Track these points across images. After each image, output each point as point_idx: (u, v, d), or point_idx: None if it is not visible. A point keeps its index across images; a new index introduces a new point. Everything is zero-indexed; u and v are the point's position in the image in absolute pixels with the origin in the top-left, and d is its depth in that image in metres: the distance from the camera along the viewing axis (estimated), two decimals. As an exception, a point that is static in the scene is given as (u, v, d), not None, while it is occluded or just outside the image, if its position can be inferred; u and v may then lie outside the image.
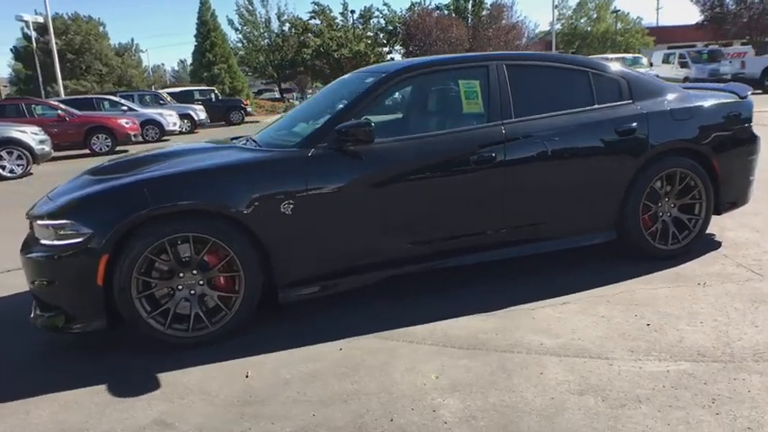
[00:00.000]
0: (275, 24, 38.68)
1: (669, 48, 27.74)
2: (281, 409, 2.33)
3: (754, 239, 4.00)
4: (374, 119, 3.32)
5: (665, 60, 25.18)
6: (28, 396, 2.55)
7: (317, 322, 3.13)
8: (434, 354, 2.70)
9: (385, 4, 38.13)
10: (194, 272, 2.92)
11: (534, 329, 2.88)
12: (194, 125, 20.80)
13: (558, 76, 3.60)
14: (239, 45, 37.44)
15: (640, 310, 3.02)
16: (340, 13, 38.86)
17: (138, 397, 2.50)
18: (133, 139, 15.02)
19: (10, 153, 10.62)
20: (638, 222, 3.59)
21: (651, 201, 3.63)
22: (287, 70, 39.46)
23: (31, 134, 10.98)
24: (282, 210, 2.95)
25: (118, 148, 14.43)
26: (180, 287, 2.91)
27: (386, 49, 39.77)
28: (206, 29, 30.11)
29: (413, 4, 35.83)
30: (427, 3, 35.80)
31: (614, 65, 3.76)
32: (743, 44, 26.78)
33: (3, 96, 31.82)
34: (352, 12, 38.61)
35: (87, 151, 14.14)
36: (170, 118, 18.41)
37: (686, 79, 21.29)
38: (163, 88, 33.12)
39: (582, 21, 46.59)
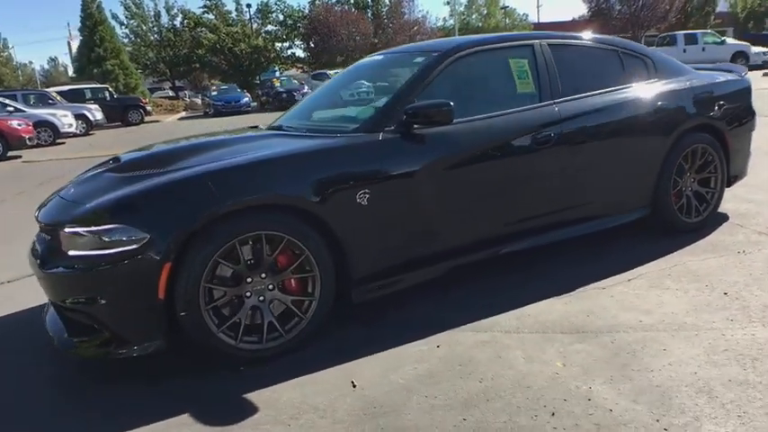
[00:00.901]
0: (165, 18, 36.61)
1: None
2: (423, 417, 2.10)
3: (754, 209, 4.25)
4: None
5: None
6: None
7: (390, 321, 2.90)
8: (542, 341, 2.58)
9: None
10: (263, 275, 2.58)
11: (622, 308, 2.84)
12: (89, 126, 19.08)
13: (593, 55, 3.61)
14: (126, 40, 34.97)
15: (706, 280, 3.08)
16: (235, 8, 37.53)
17: (241, 424, 2.15)
18: (28, 142, 13.47)
19: None
20: (670, 197, 3.68)
21: (678, 176, 3.74)
22: (181, 67, 37.47)
23: None
24: (358, 200, 2.68)
25: (10, 154, 12.89)
26: (248, 294, 2.56)
27: (285, 44, 39.00)
28: (92, 22, 27.69)
29: (314, -2, 35.34)
30: (329, -3, 35.50)
31: (637, 44, 3.83)
32: (625, 38, 29.00)
33: None
34: (248, 5, 37.43)
35: (-27, 159, 12.50)
36: (64, 119, 16.73)
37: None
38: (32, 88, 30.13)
39: (474, 16, 48.38)
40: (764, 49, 24.54)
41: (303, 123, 3.31)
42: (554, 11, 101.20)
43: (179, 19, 36.15)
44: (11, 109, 15.69)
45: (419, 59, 3.16)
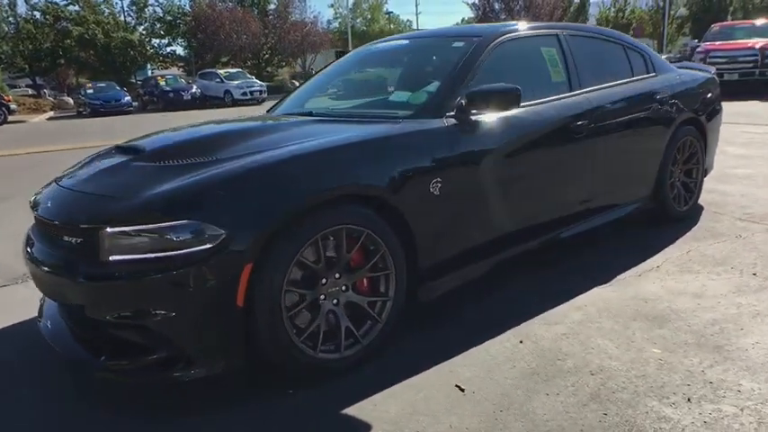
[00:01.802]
0: (22, 9, 32.97)
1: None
2: (559, 416, 1.95)
3: (720, 198, 4.57)
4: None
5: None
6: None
7: (448, 321, 2.72)
8: (621, 329, 2.54)
9: (160, -6, 35.06)
10: (337, 276, 2.29)
11: (671, 293, 2.89)
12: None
13: (604, 48, 3.68)
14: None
15: (727, 263, 3.24)
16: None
17: (364, 444, 1.87)
18: None
19: None
20: (667, 187, 3.85)
21: (672, 166, 3.93)
22: (43, 62, 33.90)
23: None
24: (431, 190, 2.48)
25: None
26: (323, 297, 2.26)
27: (164, 41, 36.80)
28: (-64, 8, 24.15)
29: (198, -6, 33.64)
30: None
31: (635, 40, 3.98)
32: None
33: None
34: (120, -3, 34.81)
35: None
36: None
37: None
38: None
39: (358, 21, 48.83)
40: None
41: (334, 109, 3.03)
42: (431, 19, 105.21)
43: (39, 11, 32.72)
44: None
45: (459, 44, 3.01)
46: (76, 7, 33.81)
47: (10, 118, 20.74)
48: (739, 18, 29.05)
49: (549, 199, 3.08)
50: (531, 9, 30.70)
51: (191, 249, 1.95)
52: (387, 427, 1.95)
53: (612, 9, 34.68)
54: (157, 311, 1.98)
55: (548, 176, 3.03)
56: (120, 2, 35.13)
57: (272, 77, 34.56)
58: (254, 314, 2.04)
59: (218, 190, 2.04)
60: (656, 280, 3.07)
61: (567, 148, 3.10)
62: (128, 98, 24.42)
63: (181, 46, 36.95)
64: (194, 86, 25.54)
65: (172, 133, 2.91)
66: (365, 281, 2.38)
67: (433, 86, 2.82)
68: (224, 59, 34.81)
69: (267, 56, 37.04)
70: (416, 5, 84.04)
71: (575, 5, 33.59)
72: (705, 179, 4.37)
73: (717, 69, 5.55)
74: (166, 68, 37.56)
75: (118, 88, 25.60)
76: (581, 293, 2.94)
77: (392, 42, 3.43)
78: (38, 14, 33.23)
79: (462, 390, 2.15)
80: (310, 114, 2.98)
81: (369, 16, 50.04)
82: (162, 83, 25.48)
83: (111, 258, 2.00)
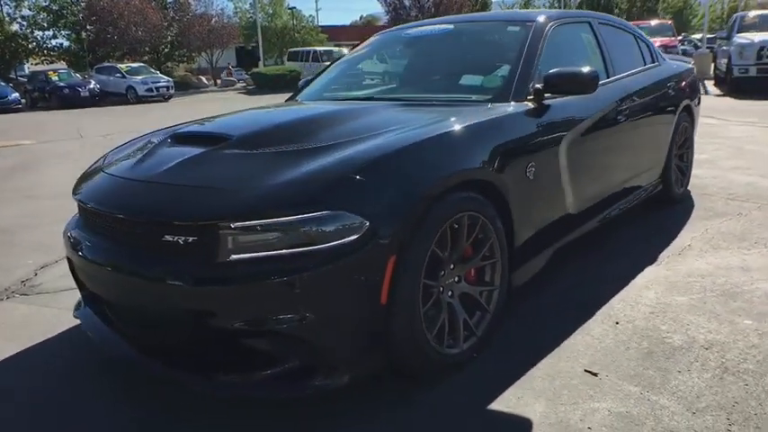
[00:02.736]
0: None
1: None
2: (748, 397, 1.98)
3: (699, 182, 4.88)
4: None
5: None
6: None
7: (535, 303, 2.69)
8: (702, 304, 2.62)
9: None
10: (452, 266, 2.18)
11: (720, 268, 3.03)
12: None
13: (623, 37, 3.79)
14: None
15: (749, 239, 3.45)
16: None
17: (537, 437, 1.78)
18: None
19: None
20: (672, 170, 4.06)
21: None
22: None
23: None
24: (527, 174, 2.42)
25: None
26: (442, 289, 2.14)
27: (49, 33, 33.81)
28: None
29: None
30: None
31: (640, 30, 4.14)
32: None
33: None
34: (-3, -16, 31.55)
35: None
36: None
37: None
38: None
39: (260, 15, 47.45)
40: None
41: (398, 94, 2.90)
42: (332, 15, 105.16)
43: None
44: None
45: (514, 29, 2.98)
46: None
47: None
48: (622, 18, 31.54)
49: (604, 179, 3.15)
50: (440, 6, 31.42)
51: (334, 243, 1.75)
52: (545, 421, 1.87)
53: (517, 8, 36.41)
54: (293, 315, 1.76)
55: (605, 157, 3.10)
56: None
57: (170, 73, 32.82)
58: (394, 312, 1.88)
59: (357, 176, 1.85)
60: (697, 258, 3.21)
61: (616, 131, 3.17)
62: (15, 95, 22.18)
63: (67, 38, 34.05)
64: (92, 82, 23.66)
65: (241, 119, 2.65)
66: (472, 271, 2.29)
67: (504, 70, 2.75)
68: (119, 53, 32.57)
69: (167, 50, 35.14)
70: (316, 1, 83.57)
71: (479, 4, 34.83)
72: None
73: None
74: (51, 63, 34.50)
75: (3, 84, 23.16)
76: (638, 274, 3.01)
77: (429, 27, 3.32)
78: None
79: (595, 374, 2.12)
80: (371, 99, 2.82)
81: (270, 11, 48.79)
82: (54, 78, 23.34)
83: (232, 258, 1.76)
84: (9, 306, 3.05)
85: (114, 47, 31.20)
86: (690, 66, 4.57)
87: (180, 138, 2.36)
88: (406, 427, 1.88)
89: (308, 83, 3.61)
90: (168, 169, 2.05)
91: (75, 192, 2.32)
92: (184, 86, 30.00)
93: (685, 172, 4.39)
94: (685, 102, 4.11)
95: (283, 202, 1.78)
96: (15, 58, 32.10)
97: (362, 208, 1.79)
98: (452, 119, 2.30)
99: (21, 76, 29.26)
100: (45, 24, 33.63)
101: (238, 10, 48.19)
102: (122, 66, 25.46)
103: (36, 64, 34.56)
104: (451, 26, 3.20)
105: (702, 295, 2.73)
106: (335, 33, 48.26)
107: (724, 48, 13.00)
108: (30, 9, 32.42)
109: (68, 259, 2.34)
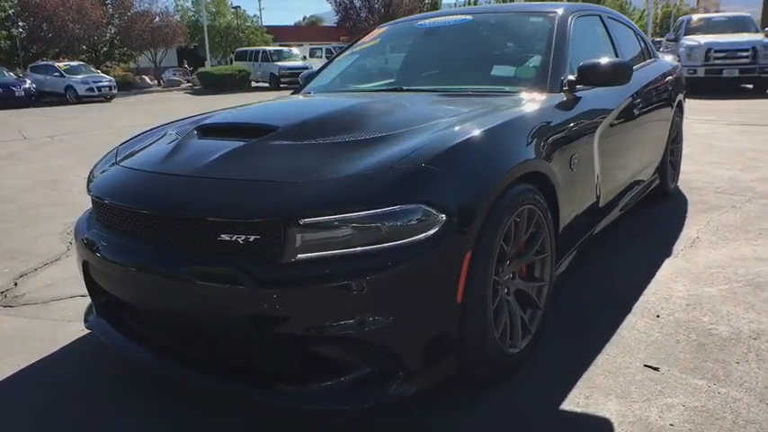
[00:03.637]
0: None
1: (311, 44, 30.69)
2: (775, 381, 1.96)
3: (683, 177, 4.99)
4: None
5: (312, 55, 27.60)
6: None
7: (568, 299, 2.63)
8: (733, 295, 2.63)
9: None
10: (508, 262, 2.08)
11: (737, 259, 3.07)
12: None
13: (626, 31, 3.80)
14: None
15: (752, 230, 3.53)
16: None
17: (624, 437, 1.70)
18: None
19: None
20: (667, 164, 4.12)
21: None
22: None
23: None
24: (571, 166, 2.36)
25: None
26: (499, 285, 2.04)
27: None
28: None
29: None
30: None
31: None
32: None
33: None
34: None
35: None
36: None
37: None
38: None
39: (202, 14, 46.19)
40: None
41: (424, 86, 2.80)
42: (276, 14, 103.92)
43: None
44: None
45: (537, 20, 2.92)
46: None
47: None
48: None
49: (625, 170, 3.14)
50: (390, 7, 31.43)
51: (411, 239, 1.62)
52: (624, 420, 1.80)
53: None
54: (367, 318, 1.62)
55: (624, 149, 3.09)
56: None
57: (108, 73, 31.45)
58: (468, 310, 1.76)
59: (432, 167, 1.72)
60: (710, 249, 3.24)
61: (633, 123, 3.17)
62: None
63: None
64: (27, 81, 22.33)
65: (275, 109, 2.49)
66: (524, 267, 2.20)
67: (536, 61, 2.69)
68: (54, 51, 30.95)
69: (106, 49, 33.66)
70: (259, 0, 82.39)
71: (429, 5, 35.06)
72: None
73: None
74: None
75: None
76: (658, 267, 3.01)
77: (445, 18, 3.21)
78: None
79: (656, 369, 2.07)
80: (399, 90, 2.69)
81: (214, 10, 47.58)
82: (-14, 76, 21.87)
83: (299, 258, 1.61)
84: (-7, 319, 2.75)
85: (49, 44, 29.61)
86: (677, 62, 4.67)
87: (210, 129, 2.16)
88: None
89: (311, 76, 3.45)
90: (212, 162, 1.86)
91: (92, 189, 2.09)
92: (127, 86, 28.75)
93: (676, 166, 4.47)
94: (679, 96, 4.19)
95: (356, 197, 1.63)
96: (-62, 55, 30.01)
97: (439, 201, 1.67)
98: (504, 110, 2.21)
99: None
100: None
101: (180, 8, 46.74)
102: (60, 64, 24.14)
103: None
104: (470, 17, 3.11)
105: (730, 286, 2.75)
106: (280, 33, 47.57)
107: (671, 50, 13.53)
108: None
109: (84, 263, 2.10)
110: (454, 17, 3.15)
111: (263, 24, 52.54)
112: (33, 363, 2.28)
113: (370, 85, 3.04)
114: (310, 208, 1.61)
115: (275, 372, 1.73)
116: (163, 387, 2.06)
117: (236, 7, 47.00)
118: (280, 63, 24.91)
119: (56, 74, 23.32)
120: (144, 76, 31.03)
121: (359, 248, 1.61)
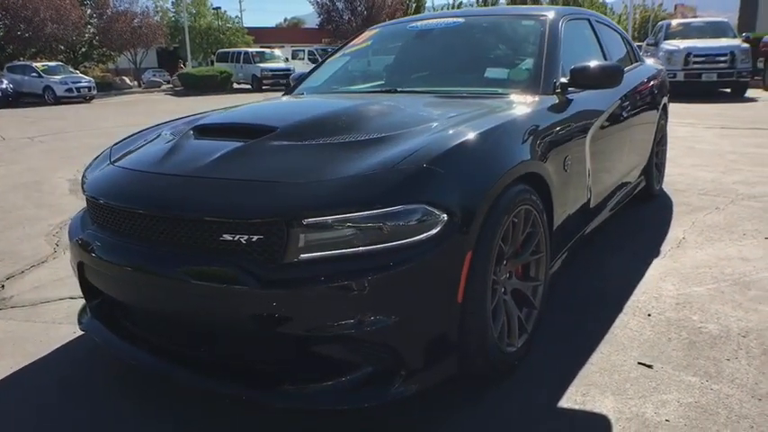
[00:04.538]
0: None
1: (293, 46, 30.59)
2: None
3: (667, 179, 5.09)
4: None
5: (294, 56, 27.53)
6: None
7: (559, 299, 2.66)
8: (720, 294, 2.69)
9: None
10: (504, 262, 2.10)
11: (723, 259, 3.13)
12: None
13: (613, 35, 3.86)
14: None
15: (737, 230, 3.60)
16: None
17: (622, 433, 1.73)
18: None
19: None
20: (653, 166, 4.19)
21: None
22: None
23: None
24: (565, 167, 2.40)
25: None
26: (497, 285, 2.06)
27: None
28: None
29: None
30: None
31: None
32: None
33: None
34: None
35: None
36: None
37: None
38: None
39: (182, 15, 45.79)
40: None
41: (418, 87, 2.81)
42: (256, 16, 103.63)
43: None
44: None
45: (529, 23, 2.96)
46: None
47: None
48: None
49: (614, 172, 3.19)
50: (373, 9, 31.44)
51: (414, 239, 1.64)
52: (621, 416, 1.83)
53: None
54: (370, 318, 1.63)
55: (616, 151, 3.15)
56: None
57: (87, 74, 31.00)
58: (468, 310, 1.78)
59: (434, 167, 1.73)
60: (696, 250, 3.31)
61: (622, 125, 3.22)
62: None
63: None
64: (4, 81, 21.93)
65: (271, 109, 2.48)
66: (520, 267, 2.23)
67: (529, 64, 2.72)
68: (32, 51, 30.40)
69: (84, 49, 33.17)
70: (240, 2, 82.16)
71: (412, 9, 35.15)
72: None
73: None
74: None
75: None
76: (647, 267, 3.06)
77: (437, 21, 3.23)
78: None
79: (649, 366, 2.11)
80: (393, 92, 2.71)
81: (194, 11, 47.19)
82: (-41, 77, 21.46)
83: (301, 258, 1.61)
84: (-19, 322, 2.70)
85: (27, 44, 29.07)
86: (661, 66, 4.75)
87: (207, 130, 2.15)
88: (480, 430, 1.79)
89: (301, 78, 3.45)
90: (212, 163, 1.85)
91: (87, 189, 2.07)
92: (106, 87, 28.40)
93: (661, 168, 4.55)
94: (664, 99, 4.27)
95: (358, 197, 1.64)
96: None
97: (441, 200, 1.69)
98: (500, 112, 2.24)
99: None
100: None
101: (159, 9, 46.24)
102: (39, 65, 23.75)
103: None
104: (462, 20, 3.14)
105: (717, 285, 2.80)
106: (262, 35, 47.32)
107: (651, 54, 13.75)
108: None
109: (79, 264, 2.08)
110: (446, 20, 3.18)
111: (245, 26, 52.32)
112: (27, 365, 2.25)
113: (364, 86, 3.06)
114: (313, 208, 1.62)
115: (276, 372, 1.72)
116: (159, 387, 2.05)
117: (216, 8, 46.70)
118: (262, 65, 24.80)
119: (34, 74, 22.94)
120: (124, 77, 30.67)
121: (361, 248, 1.62)
